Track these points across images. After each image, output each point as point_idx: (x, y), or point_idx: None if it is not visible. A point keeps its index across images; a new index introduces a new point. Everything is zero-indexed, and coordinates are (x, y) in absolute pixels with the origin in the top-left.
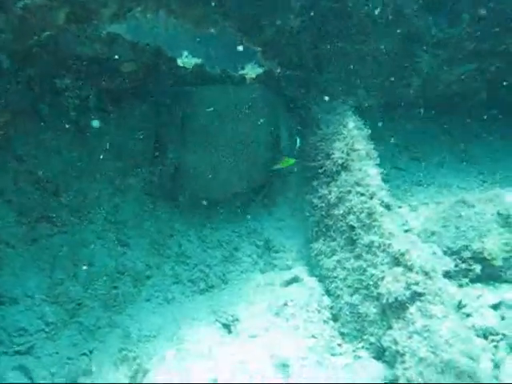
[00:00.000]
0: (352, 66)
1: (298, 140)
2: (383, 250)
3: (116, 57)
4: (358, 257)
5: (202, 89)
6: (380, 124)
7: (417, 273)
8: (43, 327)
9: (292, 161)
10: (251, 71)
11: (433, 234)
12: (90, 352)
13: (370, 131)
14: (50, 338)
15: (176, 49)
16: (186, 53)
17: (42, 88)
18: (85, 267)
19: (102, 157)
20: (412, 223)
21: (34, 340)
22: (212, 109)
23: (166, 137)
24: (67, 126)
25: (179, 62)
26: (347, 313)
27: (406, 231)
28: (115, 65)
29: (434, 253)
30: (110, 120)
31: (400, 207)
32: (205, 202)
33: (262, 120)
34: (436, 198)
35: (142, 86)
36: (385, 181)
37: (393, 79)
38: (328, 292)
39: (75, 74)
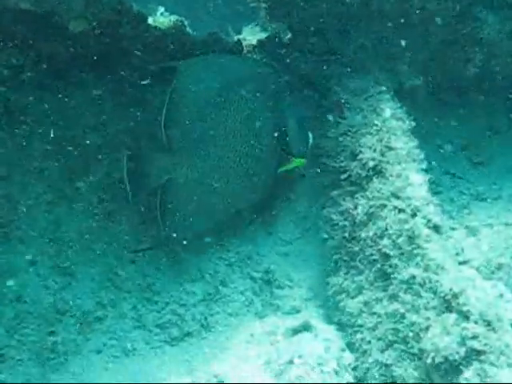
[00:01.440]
0: (390, 33)
1: (311, 135)
2: (429, 289)
3: (61, 11)
4: (394, 297)
5: (185, 65)
6: (428, 113)
7: (475, 322)
8: None
9: (302, 161)
10: (251, 35)
11: (499, 267)
12: None
13: (413, 123)
14: None
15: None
16: (161, 9)
17: None
18: (11, 303)
19: (39, 150)
20: (470, 252)
21: None
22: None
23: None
24: None
25: (150, 20)
26: (377, 376)
27: (462, 263)
28: (60, 23)
29: (501, 295)
30: (52, 100)
31: (454, 229)
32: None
33: (263, 110)
34: (504, 218)
35: (98, 54)
36: (434, 192)
37: (446, 52)
38: (351, 346)
39: (3, 34)
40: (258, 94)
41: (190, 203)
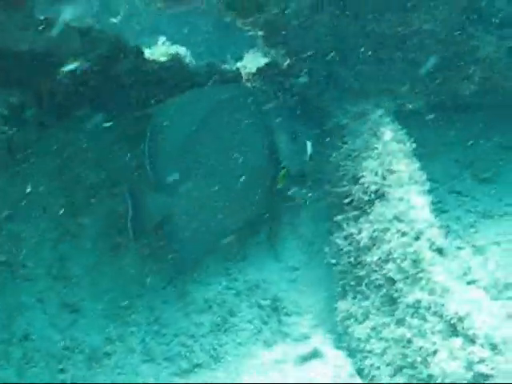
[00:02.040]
0: (388, 55)
1: (309, 144)
2: (434, 313)
3: (57, 50)
4: (401, 322)
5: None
6: (432, 132)
7: (481, 346)
8: None
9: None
10: (250, 63)
11: (507, 287)
12: None
13: (414, 145)
14: None
15: (142, 36)
16: (162, 39)
17: None
18: (19, 342)
19: (42, 187)
20: (477, 272)
21: None
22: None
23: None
24: None
25: (148, 54)
26: None
27: (469, 283)
28: (57, 62)
29: (509, 315)
30: (54, 137)
31: (460, 249)
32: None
33: (244, 126)
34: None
35: (97, 90)
36: (440, 211)
37: (445, 71)
38: (360, 372)
39: (2, 74)
40: (237, 117)
41: (191, 231)
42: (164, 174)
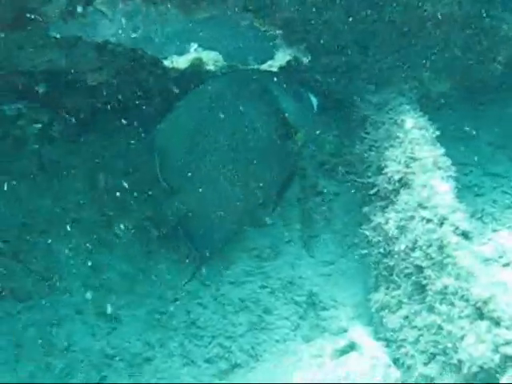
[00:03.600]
0: (409, 42)
1: (314, 99)
2: (461, 298)
3: (77, 67)
4: (431, 309)
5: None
6: (460, 117)
7: (507, 328)
8: None
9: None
10: (275, 62)
11: None
12: None
13: (437, 132)
14: None
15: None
16: (194, 45)
17: None
18: (60, 354)
19: (74, 201)
20: None
21: None
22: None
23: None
24: (26, 164)
25: (167, 63)
26: None
27: (505, 266)
28: (78, 77)
29: None
30: (83, 151)
31: (496, 231)
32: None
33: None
34: None
35: (120, 103)
36: (475, 194)
37: (469, 53)
38: (396, 361)
39: (27, 94)
40: (242, 97)
41: (209, 222)
42: (174, 173)
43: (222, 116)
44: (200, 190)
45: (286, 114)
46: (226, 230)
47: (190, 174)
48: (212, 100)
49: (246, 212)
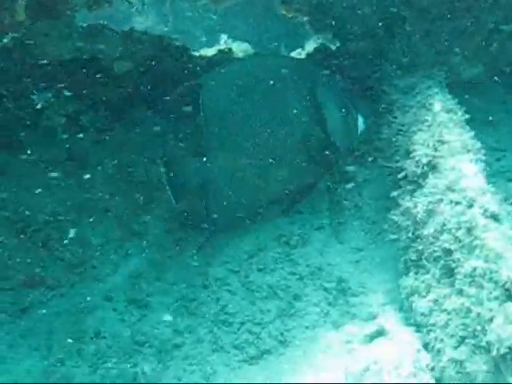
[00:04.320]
0: (437, 26)
1: (361, 120)
2: (490, 280)
3: (103, 55)
4: (460, 292)
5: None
6: (492, 101)
7: None
8: None
9: None
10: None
11: None
12: None
13: (466, 116)
14: None
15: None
16: (224, 37)
17: (17, 109)
18: (91, 341)
19: (104, 190)
20: None
21: None
22: (231, 96)
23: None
24: (56, 154)
25: (202, 52)
26: (453, 374)
27: None
28: (104, 66)
29: None
30: (112, 141)
31: None
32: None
33: (293, 98)
34: None
35: (147, 91)
36: (507, 179)
37: (500, 35)
38: (426, 346)
39: (55, 83)
40: (290, 84)
41: (228, 195)
42: (211, 137)
43: (266, 97)
44: (231, 157)
45: (328, 124)
46: (249, 206)
47: (227, 136)
48: (263, 74)
49: (272, 195)
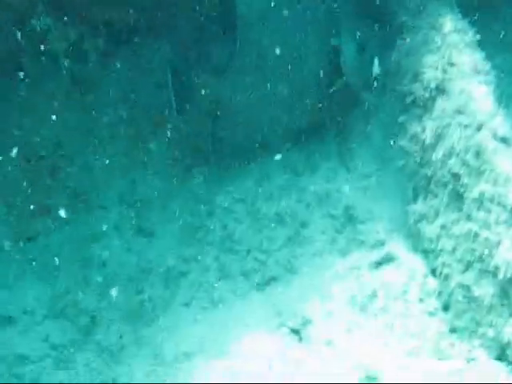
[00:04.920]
0: None
1: (377, 61)
2: (498, 204)
3: None
4: (468, 217)
5: None
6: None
7: None
8: (49, 352)
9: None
10: None
11: None
12: (113, 380)
13: (477, 36)
14: (59, 365)
15: None
16: None
17: (18, 35)
18: (97, 269)
19: (108, 117)
20: None
21: (38, 369)
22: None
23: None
24: (59, 81)
25: None
26: (460, 298)
27: None
28: None
29: None
30: (116, 66)
31: None
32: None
33: (313, 27)
34: None
35: (155, 16)
36: None
37: None
38: (433, 271)
39: (55, 8)
40: (309, 17)
41: (238, 118)
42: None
43: (284, 23)
44: (246, 79)
45: (342, 60)
46: (260, 137)
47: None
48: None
49: (285, 128)
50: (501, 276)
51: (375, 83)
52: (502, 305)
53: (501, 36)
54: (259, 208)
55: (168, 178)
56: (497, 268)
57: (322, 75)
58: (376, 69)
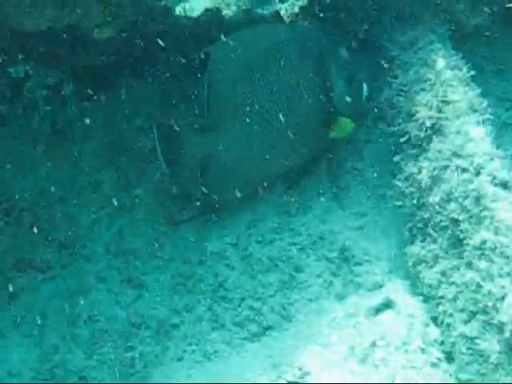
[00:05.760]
0: None
1: (366, 87)
2: (501, 254)
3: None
4: (469, 265)
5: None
6: (500, 50)
7: None
8: None
9: (350, 124)
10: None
11: None
12: None
13: (472, 72)
14: None
15: None
16: None
17: None
18: (85, 324)
19: (91, 164)
20: None
21: None
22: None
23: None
24: (39, 128)
25: (178, 11)
26: (464, 350)
27: None
28: (85, 33)
29: None
30: (96, 110)
31: None
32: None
33: (305, 71)
34: None
35: (131, 57)
36: None
37: None
38: (435, 320)
39: (32, 55)
40: (297, 57)
41: (229, 172)
42: (213, 113)
43: (272, 68)
44: (234, 132)
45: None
46: (248, 184)
47: (229, 112)
48: (268, 45)
49: (276, 172)
50: (507, 334)
51: (367, 119)
52: (510, 364)
53: (493, 62)
54: (252, 253)
55: (156, 225)
56: (502, 324)
57: (315, 121)
58: (366, 105)
